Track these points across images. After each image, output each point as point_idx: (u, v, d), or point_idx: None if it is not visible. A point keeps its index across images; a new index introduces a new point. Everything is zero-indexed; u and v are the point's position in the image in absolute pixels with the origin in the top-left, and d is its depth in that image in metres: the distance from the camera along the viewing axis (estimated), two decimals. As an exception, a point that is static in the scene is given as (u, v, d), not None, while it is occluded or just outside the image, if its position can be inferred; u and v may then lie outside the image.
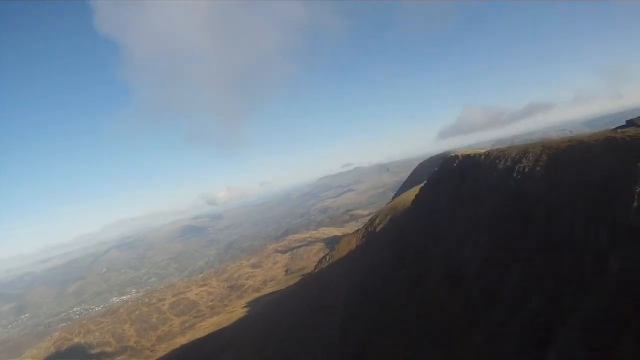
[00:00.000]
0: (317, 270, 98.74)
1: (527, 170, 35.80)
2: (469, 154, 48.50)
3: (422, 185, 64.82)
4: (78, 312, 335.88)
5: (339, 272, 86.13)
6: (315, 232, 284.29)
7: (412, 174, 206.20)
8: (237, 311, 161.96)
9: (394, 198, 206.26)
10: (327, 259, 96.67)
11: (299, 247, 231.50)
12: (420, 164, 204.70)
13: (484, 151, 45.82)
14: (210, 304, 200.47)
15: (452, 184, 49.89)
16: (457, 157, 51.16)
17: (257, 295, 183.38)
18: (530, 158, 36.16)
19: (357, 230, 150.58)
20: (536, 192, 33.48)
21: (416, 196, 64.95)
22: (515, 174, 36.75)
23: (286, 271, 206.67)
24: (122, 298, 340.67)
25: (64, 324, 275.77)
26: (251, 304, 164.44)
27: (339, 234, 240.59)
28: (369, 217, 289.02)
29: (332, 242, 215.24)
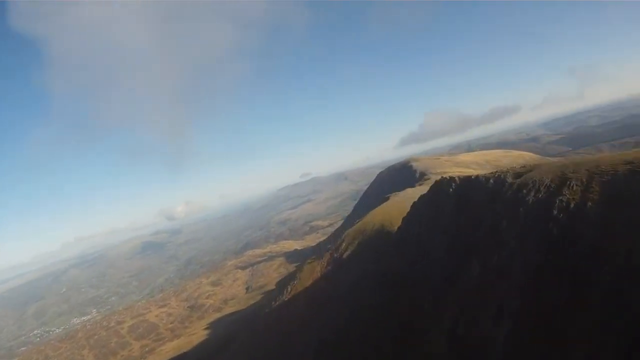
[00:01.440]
0: (277, 303, 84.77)
1: (572, 206, 23.63)
2: (470, 177, 35.31)
3: (405, 215, 51.07)
4: (39, 335, 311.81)
5: (303, 304, 73.35)
6: (275, 245, 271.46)
7: (372, 183, 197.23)
8: (197, 333, 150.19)
9: (354, 209, 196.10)
10: (289, 289, 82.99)
11: (259, 262, 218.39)
12: (380, 173, 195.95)
13: (489, 173, 33.09)
14: (170, 325, 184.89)
15: (450, 216, 36.85)
16: (453, 180, 38.31)
17: (218, 315, 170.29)
18: (574, 187, 24.12)
19: (318, 244, 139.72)
20: (592, 240, 21.32)
21: (399, 228, 51.53)
22: (555, 211, 24.33)
23: (247, 288, 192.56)
24: (83, 318, 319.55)
25: (24, 348, 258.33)
26: (212, 325, 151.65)
27: (299, 247, 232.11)
28: (329, 228, 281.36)
29: (292, 257, 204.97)
